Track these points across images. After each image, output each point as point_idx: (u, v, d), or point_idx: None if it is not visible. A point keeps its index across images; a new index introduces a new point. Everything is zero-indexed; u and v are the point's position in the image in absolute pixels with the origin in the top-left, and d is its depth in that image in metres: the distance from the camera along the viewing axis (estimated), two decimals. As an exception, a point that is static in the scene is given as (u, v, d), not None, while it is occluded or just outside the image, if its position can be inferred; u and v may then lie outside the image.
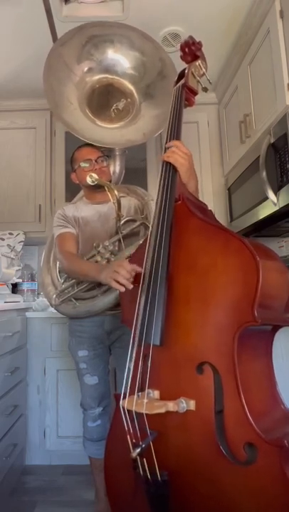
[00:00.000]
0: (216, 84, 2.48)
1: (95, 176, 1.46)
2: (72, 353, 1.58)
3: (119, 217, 1.42)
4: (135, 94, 1.74)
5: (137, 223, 1.46)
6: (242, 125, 2.04)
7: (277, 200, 1.61)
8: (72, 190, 2.38)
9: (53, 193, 2.53)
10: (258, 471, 0.76)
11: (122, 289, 1.07)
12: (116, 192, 1.40)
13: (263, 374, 0.93)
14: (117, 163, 1.83)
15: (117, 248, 1.42)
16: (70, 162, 1.63)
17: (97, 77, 1.70)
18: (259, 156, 1.72)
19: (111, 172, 1.68)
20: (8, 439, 1.71)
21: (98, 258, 1.39)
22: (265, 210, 1.76)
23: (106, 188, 1.46)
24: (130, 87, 1.74)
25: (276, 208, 1.63)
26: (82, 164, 1.52)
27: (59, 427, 2.05)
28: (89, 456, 1.56)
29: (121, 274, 1.06)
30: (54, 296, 1.55)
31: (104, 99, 1.73)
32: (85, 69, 1.68)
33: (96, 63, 1.67)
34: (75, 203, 1.69)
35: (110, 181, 1.57)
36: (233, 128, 2.25)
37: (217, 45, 2.11)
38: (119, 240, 1.43)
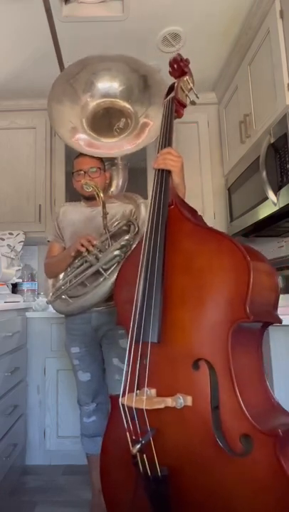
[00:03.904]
0: (216, 84, 2.48)
1: (88, 184, 1.54)
2: (66, 350, 1.64)
3: (105, 215, 1.49)
4: (131, 109, 1.85)
5: (123, 222, 1.54)
6: (242, 125, 2.04)
7: (277, 200, 1.61)
8: (72, 191, 2.38)
9: (53, 193, 2.53)
10: (254, 462, 0.80)
11: (83, 249, 1.46)
12: (102, 194, 1.51)
13: (255, 368, 0.98)
14: (120, 175, 1.91)
15: (107, 246, 1.49)
16: None
17: (96, 101, 1.87)
18: (259, 156, 1.72)
19: (114, 185, 1.82)
20: (8, 439, 1.71)
21: (86, 254, 1.48)
22: (265, 210, 1.76)
23: (94, 191, 1.54)
24: (126, 105, 1.86)
25: (276, 208, 1.64)
26: (74, 174, 1.63)
27: (59, 427, 2.06)
28: (86, 454, 1.60)
29: (85, 240, 1.46)
30: (51, 293, 1.62)
31: (106, 122, 1.87)
32: (88, 95, 1.86)
33: (96, 91, 1.87)
34: (76, 203, 1.77)
35: (104, 189, 1.65)
36: (233, 128, 2.25)
37: (217, 45, 2.11)
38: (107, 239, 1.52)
